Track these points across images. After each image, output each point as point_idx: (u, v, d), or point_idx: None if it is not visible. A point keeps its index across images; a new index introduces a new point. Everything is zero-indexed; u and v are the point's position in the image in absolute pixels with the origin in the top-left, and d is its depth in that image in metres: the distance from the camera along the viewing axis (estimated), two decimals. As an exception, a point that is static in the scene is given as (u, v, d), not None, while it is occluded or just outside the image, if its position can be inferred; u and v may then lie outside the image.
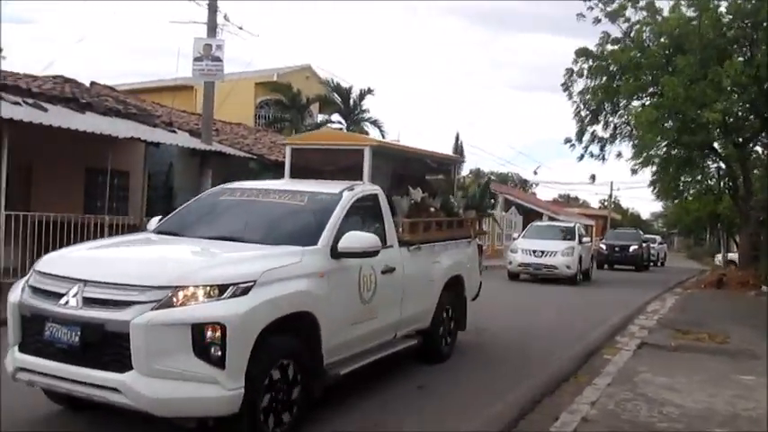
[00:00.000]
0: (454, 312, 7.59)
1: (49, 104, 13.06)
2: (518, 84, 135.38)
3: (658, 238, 40.42)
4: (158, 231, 5.74)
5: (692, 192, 24.73)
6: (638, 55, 18.76)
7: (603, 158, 21.40)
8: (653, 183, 24.18)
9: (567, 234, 20.12)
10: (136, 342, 4.00)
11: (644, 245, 30.51)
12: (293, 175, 7.18)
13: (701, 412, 5.73)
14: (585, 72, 20.07)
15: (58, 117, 12.19)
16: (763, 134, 20.03)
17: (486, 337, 9.03)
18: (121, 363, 4.03)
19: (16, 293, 4.60)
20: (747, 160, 20.46)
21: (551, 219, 33.67)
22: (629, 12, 19.23)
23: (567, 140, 21.26)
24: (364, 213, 6.01)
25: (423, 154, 8.42)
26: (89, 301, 4.20)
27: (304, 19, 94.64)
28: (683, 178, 22.93)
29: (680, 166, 21.23)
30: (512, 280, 19.07)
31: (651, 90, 19.45)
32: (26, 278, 4.72)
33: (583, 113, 20.70)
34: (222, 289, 4.24)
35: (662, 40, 18.60)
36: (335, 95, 24.14)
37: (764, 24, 17.24)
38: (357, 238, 5.23)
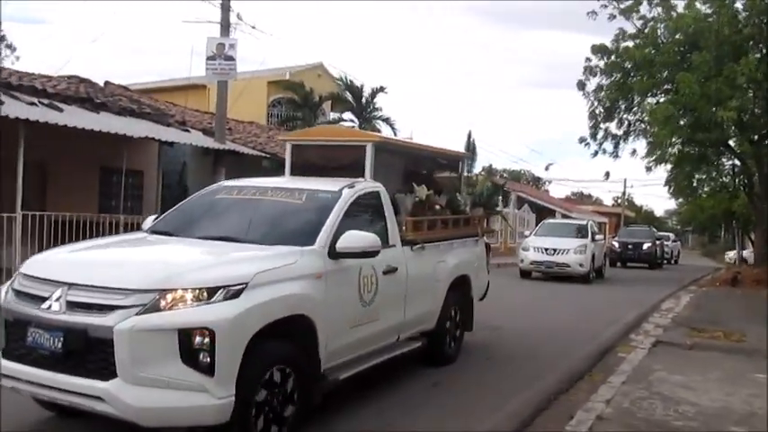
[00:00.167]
0: (460, 313, 7.35)
1: (64, 104, 13.14)
2: (531, 81, 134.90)
3: (672, 235, 40.12)
4: (152, 231, 5.54)
5: (706, 189, 24.56)
6: (653, 52, 18.64)
7: (617, 155, 21.30)
8: (668, 181, 24.04)
9: (580, 231, 19.85)
10: (120, 349, 3.78)
11: (657, 242, 30.13)
12: (294, 173, 6.93)
13: (718, 411, 5.66)
14: (601, 69, 19.94)
15: (73, 117, 12.24)
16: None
17: (500, 335, 8.99)
18: (106, 370, 3.81)
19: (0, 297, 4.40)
20: (763, 157, 20.28)
21: (564, 216, 33.53)
22: (644, 9, 19.12)
23: (582, 139, 21.16)
24: (365, 212, 5.79)
25: (428, 150, 8.20)
26: (73, 306, 3.99)
27: (316, 17, 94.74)
28: (697, 175, 22.77)
29: (694, 163, 21.08)
30: (523, 278, 18.82)
31: (665, 87, 19.32)
32: (10, 281, 4.51)
33: (597, 111, 20.60)
34: (211, 292, 4.02)
35: (677, 36, 18.45)
36: (348, 94, 24.09)
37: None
38: (356, 238, 4.98)
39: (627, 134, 21.06)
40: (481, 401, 5.90)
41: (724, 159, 22.52)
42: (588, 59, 20.08)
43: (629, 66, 19.26)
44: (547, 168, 51.14)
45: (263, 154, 16.89)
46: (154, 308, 3.90)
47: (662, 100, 19.24)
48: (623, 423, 5.21)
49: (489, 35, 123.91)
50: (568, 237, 19.23)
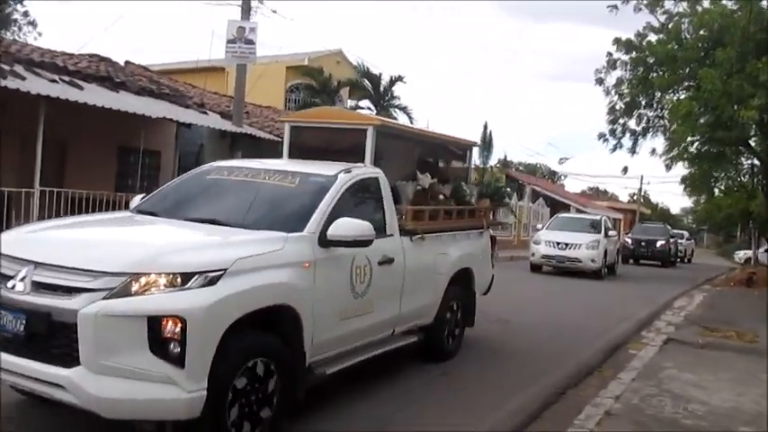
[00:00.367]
0: (462, 308, 7.00)
1: (85, 82, 13.11)
2: (549, 73, 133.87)
3: (686, 233, 39.67)
4: (138, 210, 5.26)
5: (722, 187, 24.26)
6: (676, 47, 18.36)
7: (635, 151, 21.06)
8: (684, 180, 23.79)
9: (593, 226, 19.47)
10: (84, 334, 3.51)
11: (671, 240, 29.63)
12: (293, 156, 6.57)
13: (728, 410, 5.59)
14: (623, 62, 19.68)
15: (93, 95, 12.18)
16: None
17: (509, 328, 8.90)
18: (69, 357, 3.54)
19: None
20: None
21: (579, 211, 33.31)
22: (669, 3, 18.83)
23: (601, 135, 20.94)
24: (362, 198, 5.48)
25: (435, 137, 7.81)
26: (38, 286, 3.71)
27: (336, 3, 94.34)
28: (714, 173, 22.50)
29: (712, 161, 20.83)
30: (534, 272, 18.47)
31: (686, 84, 19.06)
32: None
33: (617, 106, 20.37)
34: (186, 278, 3.71)
35: (701, 32, 18.16)
36: (366, 81, 23.95)
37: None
38: (348, 226, 4.66)
39: (646, 130, 20.82)
40: (488, 395, 5.81)
41: (743, 159, 22.24)
42: (609, 53, 19.84)
43: (652, 61, 19.00)
44: (560, 162, 50.70)
45: (280, 139, 16.87)
46: (123, 292, 3.62)
47: (683, 97, 19.00)
48: (632, 420, 5.12)
49: (508, 26, 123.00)
50: (581, 231, 18.84)
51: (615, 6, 18.80)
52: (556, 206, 34.58)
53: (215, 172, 5.61)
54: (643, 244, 28.26)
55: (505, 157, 43.45)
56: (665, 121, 20.07)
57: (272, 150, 15.77)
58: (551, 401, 5.64)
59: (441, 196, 6.85)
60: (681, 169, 22.42)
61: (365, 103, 24.41)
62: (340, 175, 5.23)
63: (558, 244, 18.34)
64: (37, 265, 3.79)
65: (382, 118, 6.76)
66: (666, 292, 15.34)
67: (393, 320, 5.72)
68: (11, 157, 12.20)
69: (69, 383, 3.54)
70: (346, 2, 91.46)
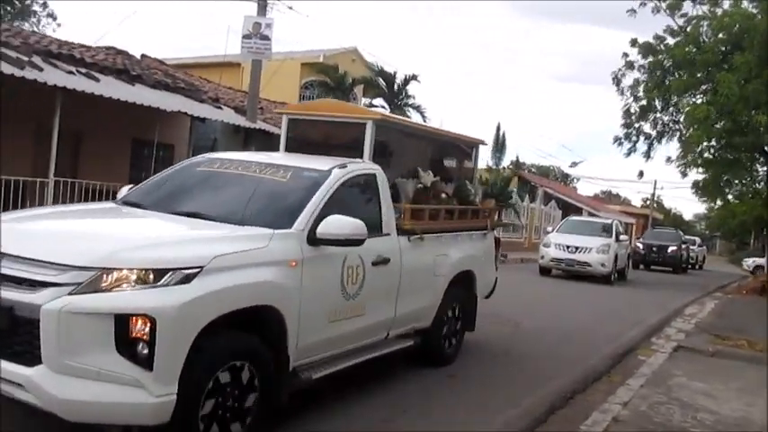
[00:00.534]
0: (462, 311, 6.70)
1: (101, 75, 13.12)
2: (562, 75, 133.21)
3: (698, 239, 39.34)
4: (123, 201, 5.05)
5: (735, 193, 24.01)
6: (694, 50, 18.17)
7: (649, 156, 20.87)
8: (695, 184, 23.56)
9: (604, 230, 19.10)
10: (46, 331, 3.29)
11: (683, 246, 29.21)
12: (290, 149, 6.26)
13: (737, 420, 5.50)
14: (643, 66, 19.49)
15: (109, 87, 12.17)
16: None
17: (517, 331, 8.82)
18: (31, 354, 3.32)
19: None
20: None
21: (591, 215, 33.15)
22: (687, 6, 18.62)
23: (616, 139, 20.78)
24: (357, 195, 5.22)
25: (439, 134, 7.50)
26: (2, 279, 3.48)
27: (352, 2, 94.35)
28: (725, 177, 22.26)
29: (726, 167, 20.63)
30: (543, 275, 18.18)
31: (703, 87, 18.85)
32: None
33: (632, 110, 20.20)
34: (159, 274, 3.48)
35: (720, 35, 17.97)
36: (380, 80, 23.95)
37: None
38: (339, 224, 4.41)
39: (661, 135, 20.63)
40: (495, 397, 5.72)
41: (758, 165, 21.99)
42: (626, 54, 19.67)
43: (669, 64, 18.80)
44: (572, 165, 50.14)
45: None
46: (90, 288, 3.39)
47: (699, 101, 18.80)
48: (639, 427, 5.05)
49: (521, 26, 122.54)
50: (592, 235, 18.52)
51: (633, 10, 18.62)
52: (568, 209, 34.36)
53: (206, 164, 5.36)
54: (654, 249, 27.88)
55: (518, 158, 43.32)
56: (681, 125, 19.87)
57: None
58: (559, 406, 5.52)
59: (443, 195, 6.56)
60: (695, 176, 22.19)
61: (379, 101, 24.38)
62: (334, 171, 4.96)
63: (567, 247, 18.05)
64: (3, 255, 3.56)
65: (383, 112, 6.56)
66: (677, 299, 15.08)
67: (387, 323, 5.44)
68: (26, 146, 12.27)
69: (29, 383, 3.32)
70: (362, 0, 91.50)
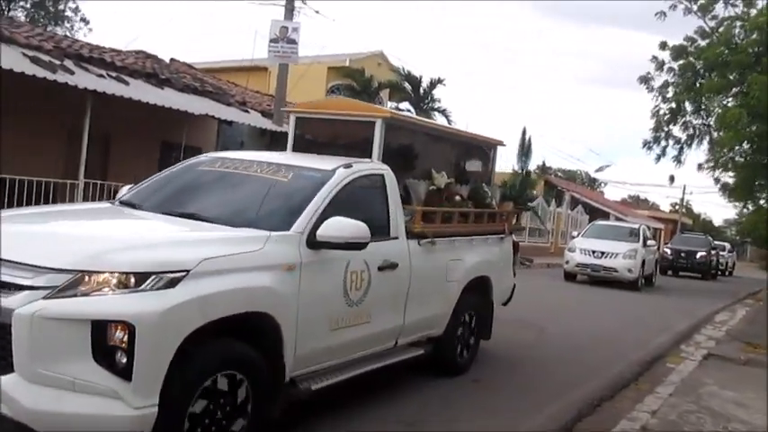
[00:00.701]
0: (477, 319, 6.41)
1: (131, 78, 13.30)
2: (590, 78, 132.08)
3: (727, 245, 38.66)
4: (121, 202, 4.91)
5: (765, 196, 23.51)
6: (726, 51, 17.85)
7: (679, 161, 20.53)
8: (724, 186, 23.11)
9: (631, 235, 18.74)
10: (18, 338, 3.12)
11: (713, 252, 28.72)
12: (298, 149, 6.02)
13: (770, 431, 5.39)
14: (673, 69, 19.21)
15: (138, 91, 12.34)
16: None
17: (544, 336, 8.75)
18: (4, 362, 3.15)
19: None
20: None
21: (618, 219, 32.75)
22: (719, 7, 18.30)
23: (646, 143, 20.49)
24: (363, 197, 4.95)
25: (454, 133, 7.30)
26: None
27: (378, 5, 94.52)
28: (758, 182, 21.81)
29: (757, 170, 20.22)
30: (567, 281, 17.93)
31: (735, 90, 18.50)
32: None
33: (661, 112, 19.89)
34: (141, 278, 3.28)
35: (753, 36, 17.63)
36: (406, 84, 23.91)
37: None
38: (340, 226, 4.17)
39: (691, 138, 20.30)
40: (522, 402, 5.67)
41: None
42: (655, 58, 19.39)
43: (700, 66, 18.48)
44: (598, 170, 49.33)
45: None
46: (67, 291, 3.21)
47: (730, 104, 18.45)
48: (669, 436, 5.00)
49: (549, 29, 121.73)
50: (618, 240, 18.15)
51: (663, 13, 18.38)
52: (595, 214, 34.00)
53: (207, 164, 5.19)
54: (683, 255, 27.38)
55: (544, 163, 42.94)
56: (712, 129, 19.53)
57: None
58: (586, 413, 5.43)
59: (457, 197, 6.25)
60: (725, 178, 21.77)
61: (405, 105, 24.36)
62: (338, 171, 4.73)
63: (593, 252, 17.74)
64: None
65: (392, 110, 6.22)
66: (706, 306, 14.80)
67: (395, 331, 5.19)
68: (58, 148, 12.47)
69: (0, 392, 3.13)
70: (389, 3, 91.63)
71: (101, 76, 12.44)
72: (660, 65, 19.29)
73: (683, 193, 51.66)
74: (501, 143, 7.46)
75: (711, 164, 19.96)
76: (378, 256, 4.73)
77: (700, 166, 20.64)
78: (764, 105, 15.71)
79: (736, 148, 18.24)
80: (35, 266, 3.27)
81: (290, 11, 15.59)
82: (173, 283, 3.33)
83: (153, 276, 3.31)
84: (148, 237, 3.97)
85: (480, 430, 4.92)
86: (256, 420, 3.78)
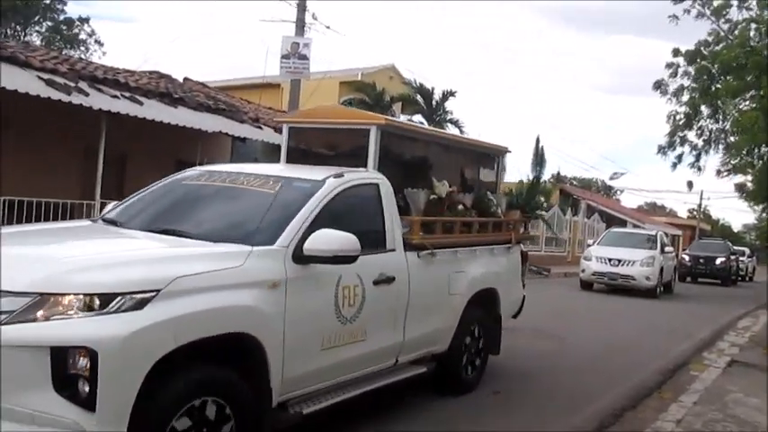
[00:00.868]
0: (484, 333, 6.12)
1: (145, 98, 13.44)
2: (603, 86, 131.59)
3: (747, 250, 38.16)
4: (103, 219, 4.75)
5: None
6: (742, 53, 17.72)
7: (699, 169, 20.34)
8: (741, 187, 22.86)
9: (649, 242, 18.46)
10: None
11: (732, 257, 28.23)
12: (292, 160, 5.78)
13: (798, 438, 5.32)
14: (688, 73, 19.09)
15: (152, 110, 12.49)
16: None
17: (564, 346, 8.68)
18: None
19: None
20: None
21: (635, 227, 32.50)
22: (733, 11, 18.20)
23: (660, 148, 20.35)
24: (356, 208, 4.72)
25: (456, 141, 7.05)
26: None
27: (390, 18, 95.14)
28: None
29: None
30: (584, 289, 17.68)
31: (752, 93, 18.34)
32: None
33: (677, 117, 19.75)
34: (106, 300, 3.05)
35: (768, 39, 17.49)
36: (418, 96, 23.98)
37: None
38: (327, 239, 3.93)
39: (708, 143, 20.13)
40: (543, 413, 5.59)
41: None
42: (669, 65, 19.30)
43: (715, 69, 18.35)
44: (613, 178, 48.82)
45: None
46: (26, 316, 2.98)
47: (746, 107, 18.30)
48: (694, 445, 4.91)
49: (561, 38, 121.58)
50: (635, 247, 17.87)
51: (675, 16, 18.31)
52: (612, 221, 33.71)
53: (193, 178, 4.97)
54: (701, 261, 26.92)
55: (559, 172, 42.73)
56: (728, 134, 19.38)
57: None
58: (608, 423, 5.36)
59: (460, 206, 5.98)
60: (741, 179, 21.56)
61: (418, 117, 24.39)
62: (328, 181, 4.50)
63: (610, 260, 17.50)
64: None
65: (388, 117, 5.98)
66: (728, 312, 14.56)
67: (394, 349, 4.90)
68: (74, 170, 12.58)
69: None
70: (402, 16, 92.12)
71: (115, 96, 12.55)
72: (675, 71, 19.18)
73: (701, 198, 51.16)
74: (507, 150, 7.22)
75: (728, 168, 19.78)
76: (373, 270, 4.51)
77: (719, 173, 20.47)
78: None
79: (754, 150, 18.07)
80: None
81: (300, 27, 15.71)
82: (141, 304, 3.10)
83: (119, 297, 3.07)
84: (118, 255, 3.69)
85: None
86: None
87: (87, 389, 2.92)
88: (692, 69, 18.87)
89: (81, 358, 2.93)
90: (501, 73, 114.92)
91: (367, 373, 4.66)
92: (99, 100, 11.55)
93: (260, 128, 16.05)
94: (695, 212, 55.12)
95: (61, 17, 35.10)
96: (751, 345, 9.85)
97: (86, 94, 11.52)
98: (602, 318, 12.71)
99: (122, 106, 11.86)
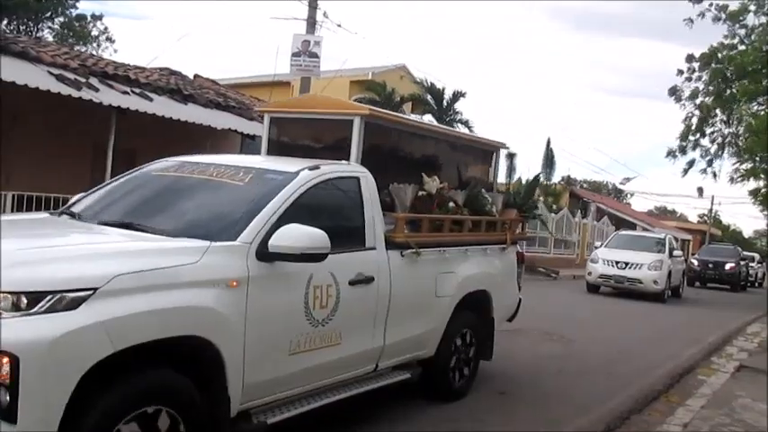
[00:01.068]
0: (475, 338, 5.81)
1: (155, 94, 13.48)
2: (615, 89, 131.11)
3: (757, 256, 37.91)
4: (62, 211, 4.48)
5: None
6: (759, 57, 17.61)
7: (715, 175, 20.17)
8: (754, 192, 22.69)
9: (657, 246, 18.30)
10: None
11: (742, 263, 28.06)
12: (273, 152, 5.51)
13: (806, 444, 5.28)
14: (701, 77, 19.00)
15: (162, 107, 12.53)
16: None
17: (571, 349, 8.66)
18: None
19: None
20: None
21: (645, 230, 32.31)
22: (750, 17, 18.08)
23: (670, 152, 20.24)
24: (332, 202, 4.48)
25: (449, 134, 6.72)
26: None
27: (400, 18, 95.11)
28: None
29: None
30: (590, 292, 17.52)
31: (766, 97, 18.20)
32: None
33: (691, 121, 19.63)
34: (35, 299, 2.77)
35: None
36: (429, 96, 23.96)
37: None
38: (294, 234, 3.63)
39: (722, 147, 20.01)
40: (549, 415, 5.55)
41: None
42: (680, 71, 19.22)
43: (730, 72, 18.24)
44: (623, 182, 48.46)
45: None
46: None
47: (761, 111, 18.18)
48: (701, 449, 4.88)
49: (575, 41, 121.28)
50: (643, 251, 17.70)
51: (690, 20, 18.21)
52: (621, 225, 33.62)
53: (163, 169, 4.68)
54: (710, 266, 26.77)
55: (569, 175, 42.59)
56: (740, 139, 19.28)
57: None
58: (615, 426, 5.34)
59: (451, 204, 5.65)
60: (754, 183, 21.43)
61: (428, 117, 24.38)
62: (302, 173, 4.18)
63: (617, 263, 17.34)
64: None
65: (372, 107, 5.62)
66: (737, 318, 14.45)
67: (374, 353, 4.60)
68: (83, 165, 12.63)
69: None
70: (414, 15, 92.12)
71: (125, 92, 12.59)
72: (690, 74, 19.07)
73: (712, 203, 50.90)
74: (503, 145, 6.98)
75: (741, 174, 19.66)
76: (349, 269, 4.21)
77: (732, 180, 20.32)
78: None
79: (763, 152, 17.97)
80: None
81: (311, 25, 15.70)
82: (74, 304, 2.82)
83: (48, 296, 2.79)
84: (58, 251, 3.34)
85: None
86: None
87: (8, 398, 2.65)
88: (704, 75, 18.78)
89: (2, 364, 2.65)
90: (512, 75, 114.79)
91: (343, 379, 4.40)
92: (109, 96, 11.58)
93: (269, 126, 16.07)
94: (706, 217, 54.82)
95: (74, 14, 35.29)
96: (760, 350, 9.78)
97: (96, 90, 11.55)
98: (611, 321, 12.65)
99: (132, 102, 11.89)
